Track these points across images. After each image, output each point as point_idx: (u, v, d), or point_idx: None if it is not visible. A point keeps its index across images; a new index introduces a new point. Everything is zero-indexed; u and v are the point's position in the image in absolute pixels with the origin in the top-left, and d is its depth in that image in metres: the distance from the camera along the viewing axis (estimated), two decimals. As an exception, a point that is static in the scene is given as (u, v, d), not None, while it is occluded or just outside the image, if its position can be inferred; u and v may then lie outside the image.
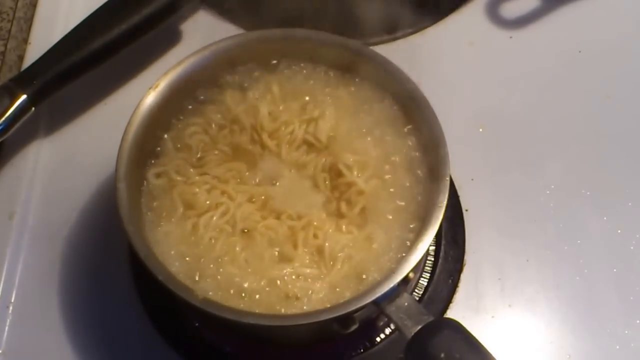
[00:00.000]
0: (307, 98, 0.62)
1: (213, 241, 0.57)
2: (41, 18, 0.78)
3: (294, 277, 0.55)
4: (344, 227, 0.57)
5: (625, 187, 0.69)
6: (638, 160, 0.70)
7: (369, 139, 0.60)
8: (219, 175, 0.59)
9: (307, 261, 0.56)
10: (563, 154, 0.70)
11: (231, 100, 0.62)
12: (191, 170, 0.59)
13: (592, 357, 0.63)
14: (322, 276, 0.55)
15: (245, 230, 0.57)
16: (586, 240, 0.67)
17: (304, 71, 0.63)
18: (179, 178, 0.59)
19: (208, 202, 0.58)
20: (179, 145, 0.61)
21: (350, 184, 0.58)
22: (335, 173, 0.59)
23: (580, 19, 0.77)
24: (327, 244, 0.56)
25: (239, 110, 0.61)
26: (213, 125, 0.61)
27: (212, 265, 0.56)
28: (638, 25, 0.77)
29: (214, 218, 0.57)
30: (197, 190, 0.58)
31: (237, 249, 0.56)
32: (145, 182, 0.59)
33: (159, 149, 0.61)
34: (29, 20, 0.78)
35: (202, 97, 0.62)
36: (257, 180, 0.59)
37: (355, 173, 0.58)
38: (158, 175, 0.59)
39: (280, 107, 0.61)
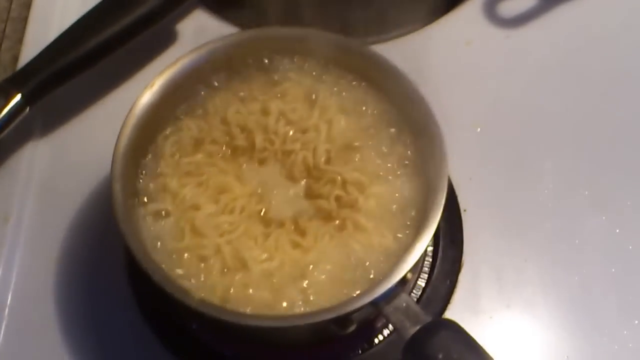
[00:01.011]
0: (298, 105, 0.62)
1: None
2: (36, 18, 0.78)
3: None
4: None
5: (623, 186, 0.69)
6: (636, 160, 0.70)
7: (363, 143, 0.60)
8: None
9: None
10: (561, 154, 0.70)
11: (231, 105, 0.62)
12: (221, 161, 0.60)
13: (591, 358, 0.62)
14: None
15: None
16: (584, 240, 0.66)
17: (300, 70, 0.63)
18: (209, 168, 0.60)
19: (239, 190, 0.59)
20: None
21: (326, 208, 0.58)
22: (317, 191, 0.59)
23: (577, 18, 0.76)
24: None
25: (235, 132, 0.61)
26: (215, 129, 0.61)
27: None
28: (635, 24, 0.77)
29: (253, 204, 0.58)
30: (229, 179, 0.59)
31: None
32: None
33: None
34: (24, 21, 0.78)
35: (198, 97, 0.62)
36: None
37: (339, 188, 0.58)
38: (189, 164, 0.60)
39: (275, 120, 0.61)
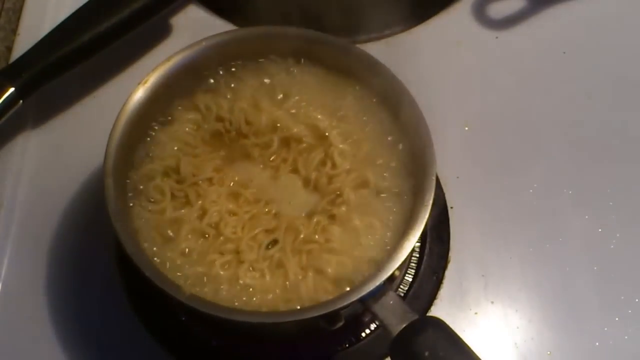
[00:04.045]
0: (290, 104, 0.62)
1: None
2: (30, 9, 0.78)
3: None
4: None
5: (606, 186, 0.70)
6: (619, 161, 0.71)
7: (354, 140, 0.61)
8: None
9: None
10: (546, 154, 0.71)
11: (222, 101, 0.62)
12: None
13: (572, 354, 0.64)
14: None
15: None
16: (568, 238, 0.67)
17: (293, 69, 0.63)
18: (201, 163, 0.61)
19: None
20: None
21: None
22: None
23: (565, 21, 0.77)
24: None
25: (227, 129, 0.62)
26: (207, 126, 0.62)
27: None
28: (621, 27, 0.78)
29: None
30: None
31: None
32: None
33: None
34: (18, 11, 0.78)
35: (192, 94, 0.63)
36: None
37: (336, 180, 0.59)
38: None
39: (266, 118, 0.62)
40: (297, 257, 0.57)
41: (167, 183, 0.59)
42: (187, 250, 0.57)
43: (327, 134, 0.61)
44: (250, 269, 0.56)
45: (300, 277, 0.56)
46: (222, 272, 0.56)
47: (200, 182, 0.59)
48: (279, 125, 0.61)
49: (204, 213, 0.58)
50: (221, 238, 0.57)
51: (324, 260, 0.56)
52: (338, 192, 0.59)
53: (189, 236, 0.57)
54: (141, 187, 0.59)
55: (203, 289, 0.55)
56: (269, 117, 0.61)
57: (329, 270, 0.56)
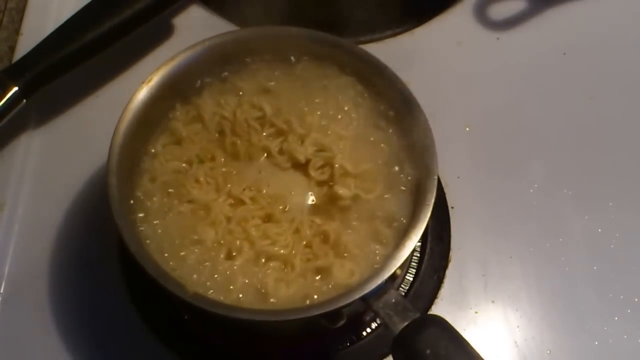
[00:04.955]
0: (292, 104, 0.63)
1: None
2: (33, 8, 0.78)
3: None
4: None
5: (606, 187, 0.70)
6: (619, 161, 0.72)
7: (353, 139, 0.61)
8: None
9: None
10: (546, 154, 0.72)
11: (223, 101, 0.63)
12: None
13: (572, 353, 0.64)
14: None
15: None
16: (568, 238, 0.68)
17: (295, 69, 0.64)
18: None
19: None
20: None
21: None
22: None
23: (566, 22, 0.78)
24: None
25: (229, 128, 0.62)
26: (210, 125, 0.62)
27: None
28: (621, 29, 0.78)
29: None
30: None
31: None
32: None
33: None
34: (21, 11, 0.78)
35: (195, 93, 0.63)
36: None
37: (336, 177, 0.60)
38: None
39: (269, 118, 0.62)
40: (308, 224, 0.58)
41: (202, 169, 0.60)
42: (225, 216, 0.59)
43: (326, 134, 0.62)
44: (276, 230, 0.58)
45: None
46: (253, 233, 0.58)
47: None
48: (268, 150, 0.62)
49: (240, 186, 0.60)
50: (255, 207, 0.59)
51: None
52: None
53: (225, 209, 0.59)
54: (166, 177, 0.60)
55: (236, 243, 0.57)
56: (260, 143, 0.62)
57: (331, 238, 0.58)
